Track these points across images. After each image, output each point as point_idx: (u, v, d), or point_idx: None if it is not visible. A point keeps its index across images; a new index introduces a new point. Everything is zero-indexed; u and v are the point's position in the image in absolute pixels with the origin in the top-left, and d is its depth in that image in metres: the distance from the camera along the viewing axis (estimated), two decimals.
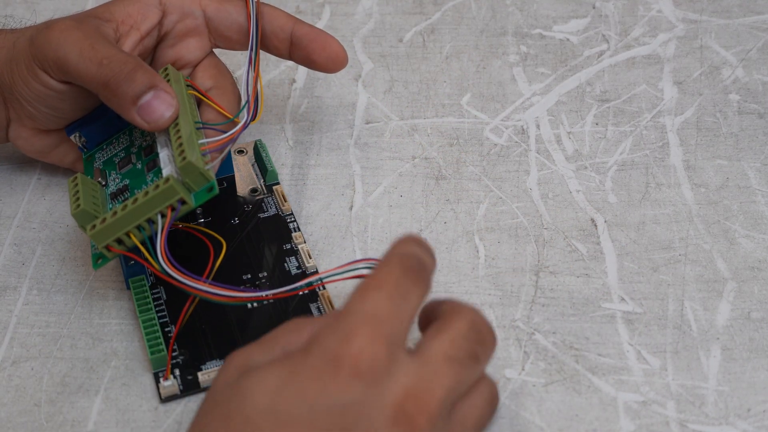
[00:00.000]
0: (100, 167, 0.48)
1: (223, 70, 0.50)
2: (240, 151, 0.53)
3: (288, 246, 0.48)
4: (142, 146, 0.47)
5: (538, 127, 0.55)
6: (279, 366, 0.34)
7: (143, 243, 0.42)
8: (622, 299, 0.47)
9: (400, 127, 0.56)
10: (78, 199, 0.43)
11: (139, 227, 0.42)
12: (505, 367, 0.45)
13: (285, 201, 0.50)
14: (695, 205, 0.51)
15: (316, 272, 0.47)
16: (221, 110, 0.47)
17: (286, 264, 0.48)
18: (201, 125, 0.45)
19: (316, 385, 0.33)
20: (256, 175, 0.52)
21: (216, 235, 0.46)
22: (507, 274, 0.48)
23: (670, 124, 0.55)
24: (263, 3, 0.50)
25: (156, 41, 0.49)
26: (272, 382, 0.33)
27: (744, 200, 0.51)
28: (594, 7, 0.63)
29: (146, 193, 0.42)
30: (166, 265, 0.41)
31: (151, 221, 0.42)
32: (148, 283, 0.46)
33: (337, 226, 0.51)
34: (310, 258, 0.48)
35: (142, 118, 0.44)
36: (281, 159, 0.54)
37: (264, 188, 0.51)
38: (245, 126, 0.46)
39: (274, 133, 0.55)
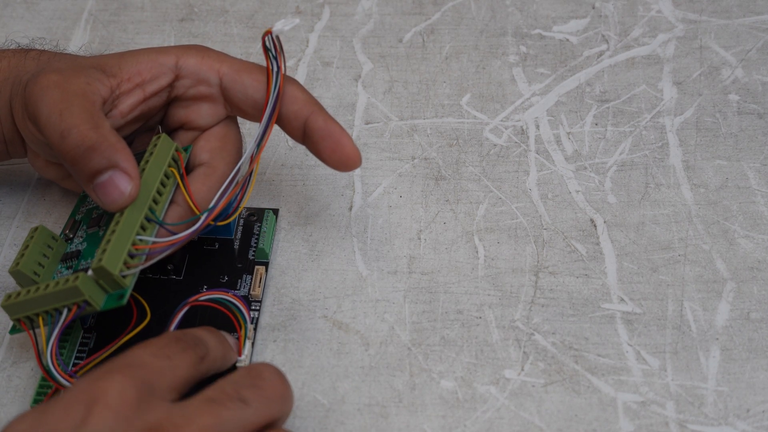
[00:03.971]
0: (80, 217, 0.46)
1: (227, 144, 0.47)
2: (252, 215, 0.50)
3: (236, 335, 0.44)
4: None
5: (537, 127, 0.55)
6: (33, 410, 0.35)
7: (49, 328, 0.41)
8: (622, 300, 0.47)
9: (400, 128, 0.56)
10: (22, 256, 0.43)
11: (47, 312, 0.41)
12: (505, 367, 0.45)
13: (258, 286, 0.47)
14: (695, 205, 0.51)
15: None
16: (190, 202, 0.43)
17: None
18: (155, 220, 0.42)
19: (67, 418, 0.34)
20: (253, 245, 0.49)
21: (145, 306, 0.45)
22: (506, 274, 0.48)
23: (670, 125, 0.55)
24: (286, 81, 0.46)
25: (165, 101, 0.47)
26: (26, 423, 0.34)
27: (743, 200, 0.51)
28: (594, 8, 0.63)
29: (57, 283, 0.40)
30: (52, 363, 0.41)
31: (58, 311, 0.41)
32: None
33: (337, 226, 0.51)
34: (241, 356, 0.44)
35: (97, 197, 0.42)
36: (281, 159, 0.54)
37: (249, 264, 0.48)
38: (197, 230, 0.42)
39: (274, 133, 0.55)
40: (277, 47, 0.44)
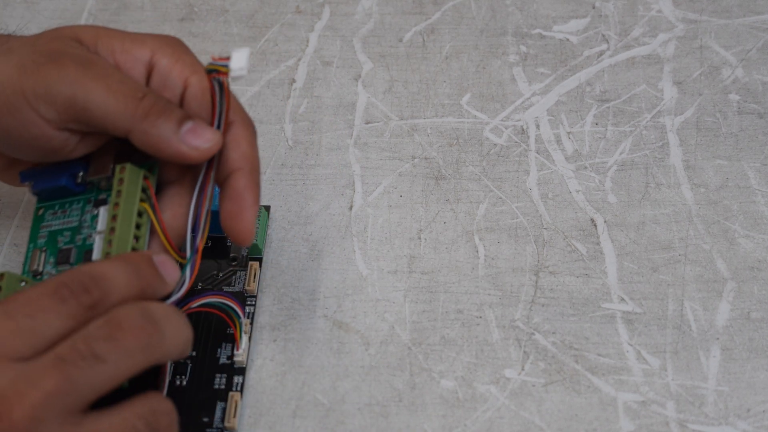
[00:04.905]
0: (42, 242, 0.42)
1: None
2: None
3: (230, 331, 0.45)
4: (86, 242, 0.41)
5: (537, 127, 0.55)
6: None
7: None
8: (622, 299, 0.47)
9: (400, 127, 0.56)
10: None
11: None
12: (505, 367, 0.45)
13: (253, 281, 0.47)
14: (695, 205, 0.51)
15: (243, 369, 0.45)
16: (167, 244, 0.40)
17: (219, 350, 0.45)
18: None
19: None
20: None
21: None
22: (507, 274, 0.48)
23: (670, 124, 0.55)
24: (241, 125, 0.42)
25: None
26: None
27: (744, 200, 0.51)
28: (594, 7, 0.62)
29: None
30: None
31: None
32: None
33: (337, 226, 0.51)
34: (239, 350, 0.44)
35: (189, 143, 0.39)
36: (281, 159, 0.54)
37: (243, 260, 0.48)
38: (188, 287, 0.40)
39: (274, 133, 0.55)
40: (226, 87, 0.41)
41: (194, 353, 0.44)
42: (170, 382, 0.43)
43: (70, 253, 0.41)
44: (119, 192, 0.40)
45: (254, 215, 0.41)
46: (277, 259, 0.49)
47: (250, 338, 0.45)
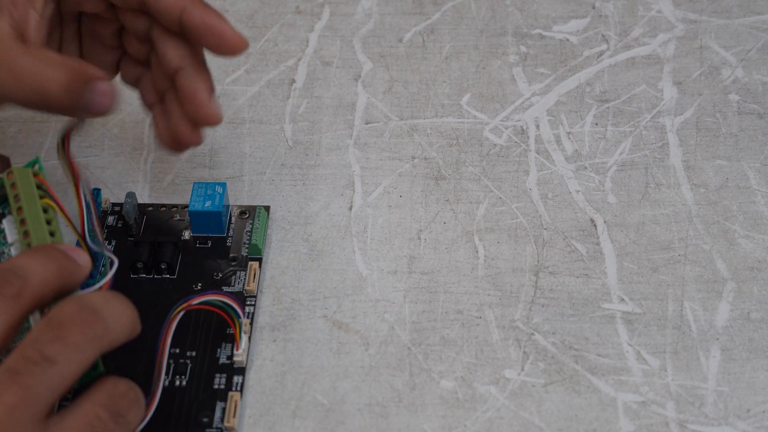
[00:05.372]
0: None
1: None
2: (243, 212, 0.50)
3: (230, 331, 0.45)
4: (1, 259, 0.41)
5: (537, 127, 0.55)
6: None
7: None
8: (622, 300, 0.47)
9: (400, 128, 0.56)
10: None
11: None
12: (505, 367, 0.45)
13: (253, 281, 0.47)
14: (695, 205, 0.51)
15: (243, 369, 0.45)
16: (74, 230, 0.41)
17: (219, 349, 0.45)
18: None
19: None
20: (246, 242, 0.49)
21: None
22: (506, 274, 0.48)
23: (670, 125, 0.55)
24: None
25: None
26: None
27: (744, 200, 0.51)
28: (594, 8, 0.62)
29: None
30: None
31: None
32: None
33: (337, 226, 0.51)
34: (239, 350, 0.44)
35: (92, 110, 0.40)
36: (281, 159, 0.54)
37: (243, 260, 0.48)
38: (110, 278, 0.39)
39: (273, 133, 0.55)
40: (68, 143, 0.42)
41: (194, 353, 0.44)
42: (170, 381, 0.43)
43: None
44: (17, 197, 0.39)
45: (229, 26, 0.42)
46: (276, 259, 0.49)
47: (249, 338, 0.45)
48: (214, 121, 0.44)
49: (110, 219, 0.50)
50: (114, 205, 0.50)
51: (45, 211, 0.40)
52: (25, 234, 0.39)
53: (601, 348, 0.45)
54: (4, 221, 0.41)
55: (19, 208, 0.39)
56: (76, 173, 0.42)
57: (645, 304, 0.47)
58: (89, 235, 0.41)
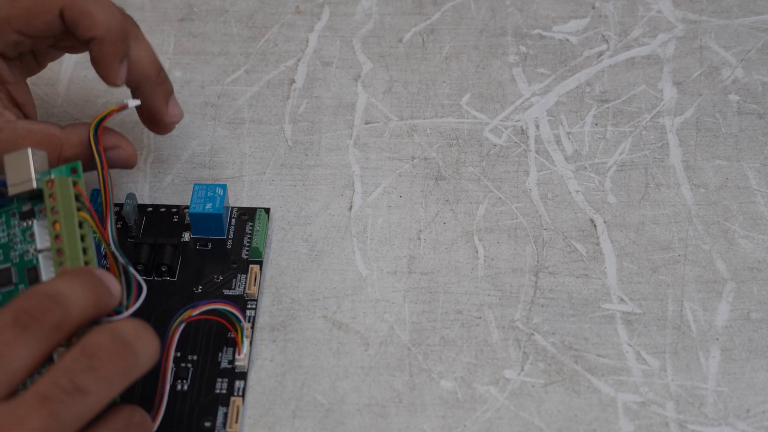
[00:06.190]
0: None
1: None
2: (243, 215, 0.50)
3: (231, 335, 0.45)
4: (24, 259, 0.40)
5: (537, 127, 0.55)
6: None
7: None
8: (622, 300, 0.47)
9: (400, 128, 0.56)
10: None
11: None
12: (505, 367, 0.45)
13: (254, 284, 0.47)
14: (695, 205, 0.51)
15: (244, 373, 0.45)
16: (108, 248, 0.41)
17: (220, 354, 0.45)
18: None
19: None
20: (247, 244, 0.49)
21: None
22: (506, 274, 0.48)
23: (670, 125, 0.55)
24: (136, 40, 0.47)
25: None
26: None
27: (743, 201, 0.51)
28: (594, 8, 0.62)
29: None
30: None
31: None
32: None
33: (337, 226, 0.51)
34: (240, 354, 0.44)
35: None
36: (281, 159, 0.54)
37: (243, 263, 0.48)
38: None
39: (273, 133, 0.55)
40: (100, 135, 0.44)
41: (195, 357, 0.44)
42: (171, 386, 0.43)
43: (11, 273, 0.40)
44: (54, 209, 0.38)
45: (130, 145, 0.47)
46: (276, 260, 0.49)
47: (251, 342, 0.45)
48: (171, 126, 0.49)
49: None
50: (114, 206, 0.50)
51: (80, 225, 0.39)
52: (59, 252, 0.38)
53: (600, 348, 0.45)
54: (36, 224, 0.40)
55: (55, 222, 0.38)
56: (106, 173, 0.43)
57: (645, 305, 0.47)
58: (114, 245, 0.41)
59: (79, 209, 0.39)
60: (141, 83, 0.47)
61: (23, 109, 0.46)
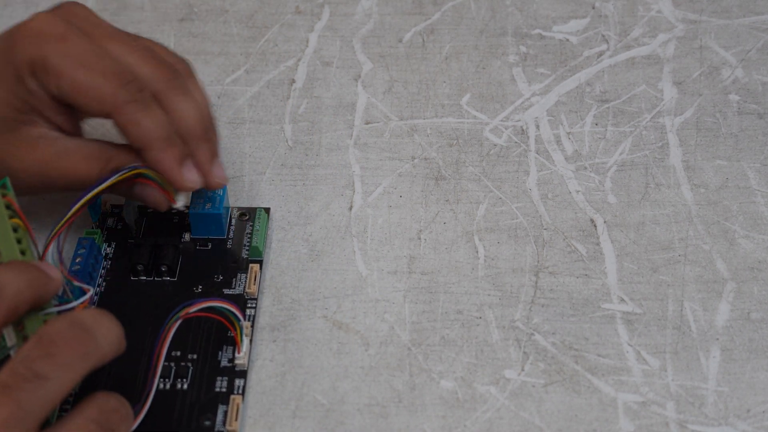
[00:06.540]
0: None
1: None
2: (243, 214, 0.50)
3: (231, 334, 0.45)
4: None
5: (537, 127, 0.55)
6: None
7: None
8: (622, 300, 0.47)
9: (400, 128, 0.56)
10: None
11: None
12: (505, 367, 0.45)
13: (254, 283, 0.47)
14: (695, 205, 0.51)
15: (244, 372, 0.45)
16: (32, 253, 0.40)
17: (220, 352, 0.44)
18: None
19: None
20: (247, 244, 0.49)
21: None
22: (506, 274, 0.48)
23: (670, 125, 0.55)
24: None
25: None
26: None
27: (744, 201, 0.51)
28: (594, 8, 0.62)
29: None
30: None
31: None
32: None
33: (337, 226, 0.51)
34: (240, 353, 0.44)
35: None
36: (281, 159, 0.54)
37: (243, 262, 0.48)
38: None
39: (273, 133, 0.55)
40: None
41: (195, 356, 0.44)
42: (171, 384, 0.43)
43: None
44: None
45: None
46: (276, 260, 0.49)
47: (251, 342, 0.45)
48: (189, 188, 0.45)
49: (110, 221, 0.50)
50: (114, 207, 0.50)
51: (15, 230, 0.40)
52: None
53: (601, 348, 0.45)
54: None
55: None
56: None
57: (645, 305, 0.47)
58: (53, 258, 0.41)
59: (11, 217, 0.40)
60: (185, 140, 0.44)
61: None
